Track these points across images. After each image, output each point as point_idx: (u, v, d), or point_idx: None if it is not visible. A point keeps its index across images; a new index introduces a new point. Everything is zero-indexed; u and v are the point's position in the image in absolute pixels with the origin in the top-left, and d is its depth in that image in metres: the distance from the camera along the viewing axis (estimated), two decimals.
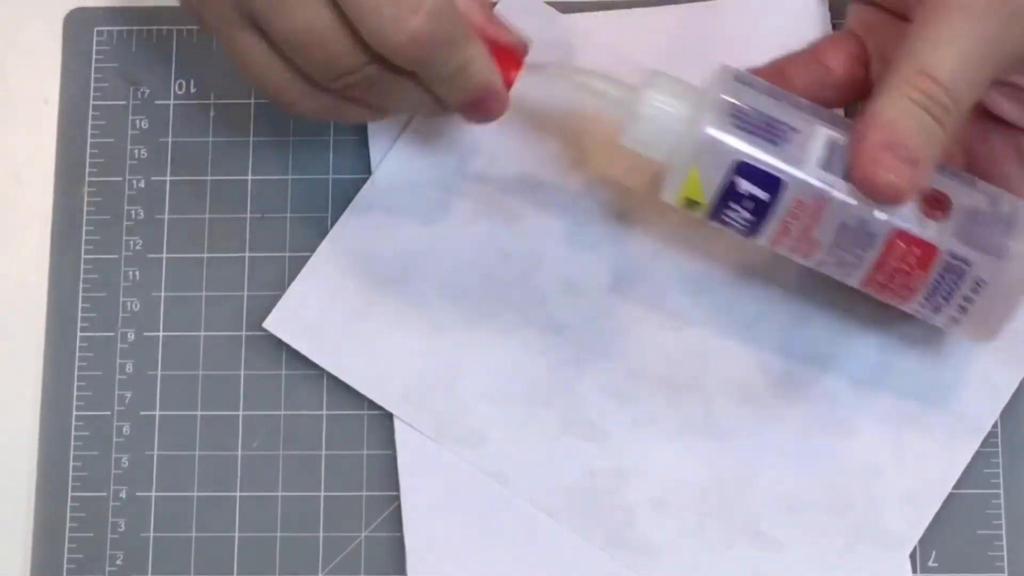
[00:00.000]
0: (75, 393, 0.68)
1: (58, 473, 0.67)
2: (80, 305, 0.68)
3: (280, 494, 0.67)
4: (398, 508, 0.66)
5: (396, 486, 0.67)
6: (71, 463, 0.67)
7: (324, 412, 0.67)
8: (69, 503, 0.67)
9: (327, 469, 0.67)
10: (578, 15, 0.71)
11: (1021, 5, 0.59)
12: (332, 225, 0.69)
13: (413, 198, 0.69)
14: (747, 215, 0.60)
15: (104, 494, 0.67)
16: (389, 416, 0.67)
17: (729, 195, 0.60)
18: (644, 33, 0.70)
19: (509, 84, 0.61)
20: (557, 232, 0.68)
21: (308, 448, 0.67)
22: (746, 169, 0.59)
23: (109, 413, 0.68)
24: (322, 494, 0.67)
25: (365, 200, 0.69)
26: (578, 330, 0.68)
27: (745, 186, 0.60)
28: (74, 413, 0.67)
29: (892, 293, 0.61)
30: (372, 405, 0.67)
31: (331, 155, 0.70)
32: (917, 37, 0.59)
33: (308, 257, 0.68)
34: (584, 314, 0.68)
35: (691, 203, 0.61)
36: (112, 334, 0.68)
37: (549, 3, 0.71)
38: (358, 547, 0.66)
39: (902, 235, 0.59)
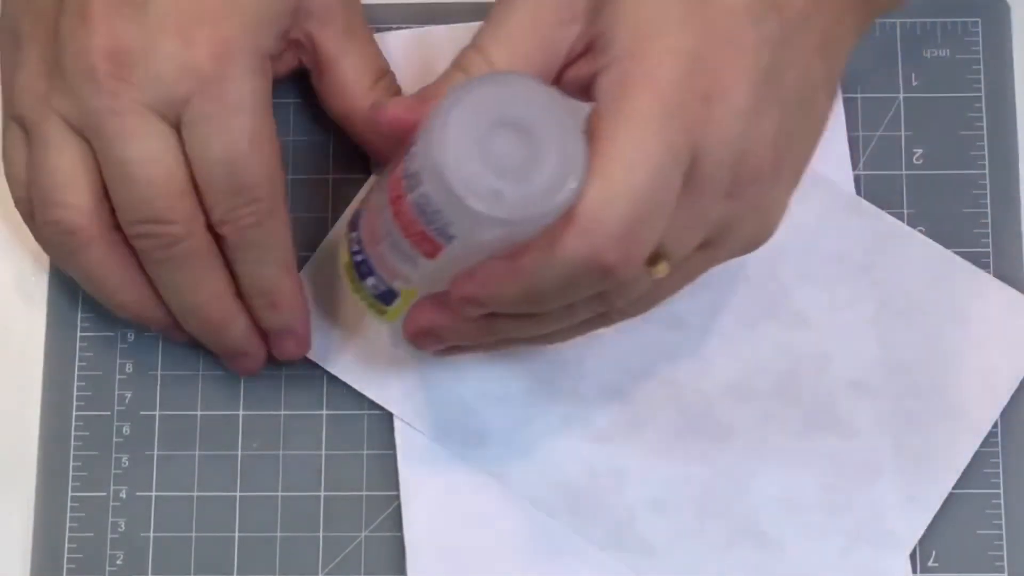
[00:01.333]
0: (75, 393, 0.68)
1: (59, 473, 0.67)
2: (80, 305, 0.68)
3: (280, 494, 0.67)
4: (398, 508, 0.66)
5: (396, 486, 0.67)
6: (71, 463, 0.67)
7: (324, 412, 0.67)
8: (69, 503, 0.67)
9: (327, 469, 0.67)
10: None
11: (713, 89, 0.55)
12: (332, 225, 0.69)
13: None
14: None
15: (104, 494, 0.67)
16: (389, 416, 0.67)
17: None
18: None
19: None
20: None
21: (308, 448, 0.67)
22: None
23: (109, 413, 0.67)
24: (322, 494, 0.67)
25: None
26: None
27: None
28: (74, 413, 0.67)
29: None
30: (372, 405, 0.67)
31: (331, 155, 0.70)
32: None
33: (308, 257, 0.68)
34: None
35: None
36: (112, 334, 0.68)
37: None
38: (358, 547, 0.66)
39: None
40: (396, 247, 0.57)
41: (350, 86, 0.66)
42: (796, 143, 0.58)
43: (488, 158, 0.52)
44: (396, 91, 0.67)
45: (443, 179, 0.52)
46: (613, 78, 0.55)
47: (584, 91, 0.57)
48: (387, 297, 0.61)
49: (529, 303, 0.57)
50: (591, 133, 0.54)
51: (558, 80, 0.58)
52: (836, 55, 0.59)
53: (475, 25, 0.69)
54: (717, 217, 0.57)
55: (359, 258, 0.61)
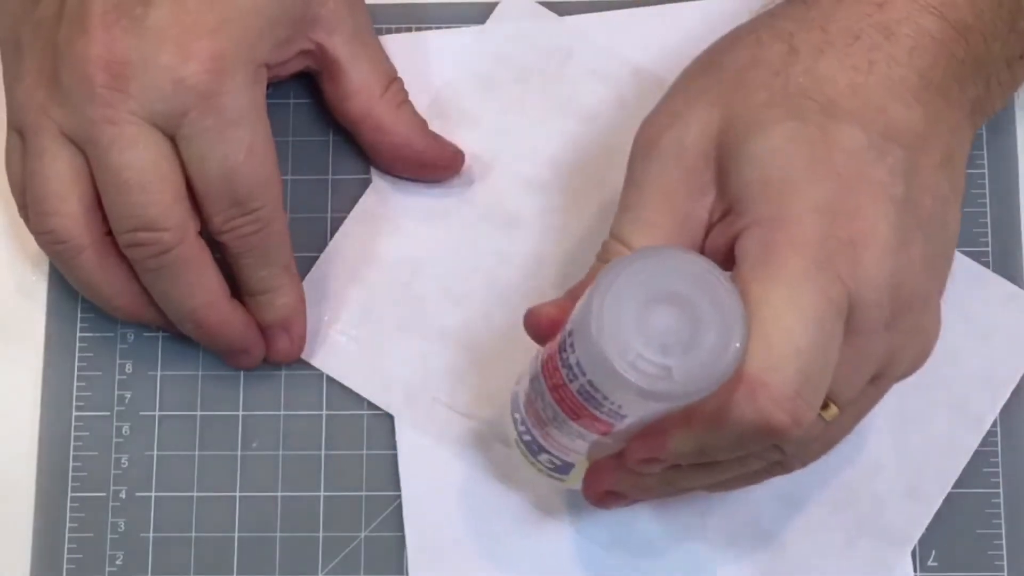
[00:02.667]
0: (75, 393, 0.68)
1: (58, 473, 0.67)
2: (80, 305, 0.68)
3: (280, 494, 0.67)
4: (398, 508, 0.66)
5: (396, 486, 0.67)
6: (71, 463, 0.67)
7: (324, 412, 0.67)
8: (69, 503, 0.66)
9: (327, 469, 0.67)
10: (576, 17, 0.71)
11: (857, 233, 0.55)
12: (332, 225, 0.69)
13: (412, 202, 0.69)
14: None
15: (104, 494, 0.67)
16: (389, 416, 0.67)
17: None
18: (642, 34, 0.70)
19: None
20: (556, 235, 0.68)
21: (308, 448, 0.67)
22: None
23: (109, 413, 0.67)
24: (322, 494, 0.67)
25: (365, 206, 0.69)
26: None
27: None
28: (74, 413, 0.67)
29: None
30: (372, 405, 0.67)
31: (331, 155, 0.70)
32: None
33: (308, 257, 0.68)
34: None
35: None
36: (112, 334, 0.68)
37: (547, 5, 0.71)
38: (358, 547, 0.66)
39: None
40: (565, 429, 0.57)
41: (361, 91, 0.67)
42: (940, 260, 0.59)
43: (651, 336, 0.52)
44: (405, 96, 0.68)
45: (608, 366, 0.52)
46: (756, 241, 0.55)
47: (725, 256, 0.57)
48: (563, 469, 0.61)
49: (704, 458, 0.57)
50: (743, 297, 0.53)
51: (700, 251, 0.58)
52: (958, 166, 0.59)
53: (466, 29, 0.69)
54: (880, 353, 0.57)
55: (527, 438, 0.61)
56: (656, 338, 0.52)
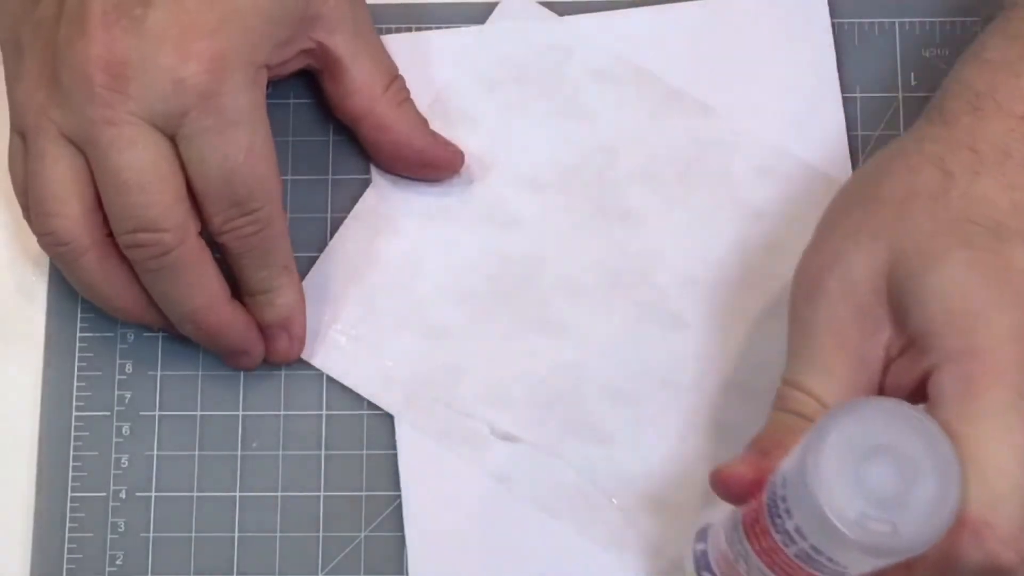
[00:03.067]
0: (75, 393, 0.68)
1: (58, 473, 0.67)
2: (80, 305, 0.68)
3: (280, 494, 0.67)
4: (398, 508, 0.66)
5: (396, 486, 0.67)
6: (71, 463, 0.67)
7: (324, 412, 0.67)
8: (69, 503, 0.66)
9: (327, 469, 0.67)
10: (576, 17, 0.71)
11: None
12: (332, 225, 0.69)
13: (413, 202, 0.69)
14: None
15: (104, 494, 0.67)
16: (389, 416, 0.67)
17: None
18: (642, 34, 0.70)
19: None
20: (556, 235, 0.68)
21: (308, 448, 0.67)
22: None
23: (109, 413, 0.67)
24: (322, 494, 0.67)
25: (365, 206, 0.69)
26: (579, 332, 0.68)
27: None
28: (74, 413, 0.67)
29: None
30: (372, 405, 0.67)
31: (331, 155, 0.70)
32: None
33: (309, 257, 0.68)
34: (585, 316, 0.68)
35: None
36: (112, 334, 0.68)
37: (547, 5, 0.71)
38: (358, 547, 0.66)
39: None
40: None
41: (363, 89, 0.67)
42: None
43: (871, 492, 0.51)
44: (407, 95, 0.68)
45: (833, 528, 0.51)
46: (952, 377, 0.54)
47: (910, 394, 0.56)
48: None
49: None
50: (949, 436, 0.52)
51: (880, 391, 0.57)
52: None
53: (466, 29, 0.70)
54: None
55: None
56: (876, 493, 0.51)
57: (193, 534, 0.66)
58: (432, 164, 0.68)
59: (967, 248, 0.55)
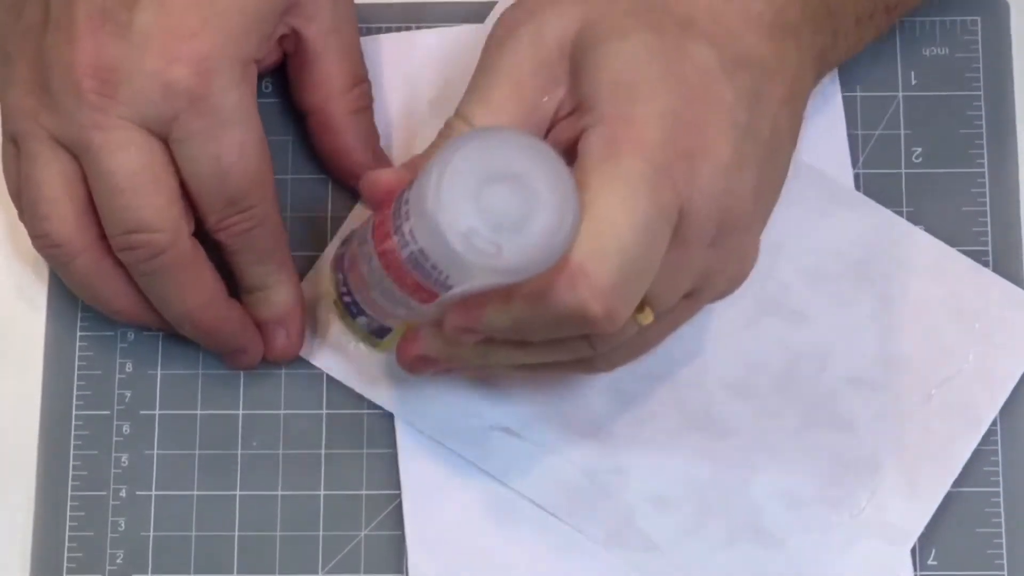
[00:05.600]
0: (75, 392, 0.68)
1: (58, 472, 0.67)
2: (80, 305, 0.68)
3: (280, 493, 0.67)
4: (398, 507, 0.66)
5: (396, 485, 0.67)
6: (71, 462, 0.67)
7: (324, 411, 0.67)
8: (69, 502, 0.66)
9: (327, 468, 0.67)
10: None
11: (697, 146, 0.57)
12: (332, 225, 0.69)
13: None
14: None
15: (104, 493, 0.67)
16: (390, 414, 0.67)
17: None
18: None
19: None
20: None
21: (308, 447, 0.67)
22: None
23: (109, 412, 0.67)
24: (322, 493, 0.67)
25: (365, 208, 0.69)
26: None
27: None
28: (74, 412, 0.67)
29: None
30: (373, 404, 0.67)
31: None
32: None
33: (308, 257, 0.68)
34: None
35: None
36: (112, 334, 0.68)
37: None
38: (358, 546, 0.66)
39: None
40: (388, 295, 0.58)
41: (321, 86, 0.67)
42: (769, 191, 0.60)
43: (484, 212, 0.53)
44: (370, 101, 0.68)
45: (441, 237, 0.53)
46: (600, 139, 0.56)
47: (568, 150, 0.58)
48: (380, 332, 0.63)
49: (518, 335, 0.58)
50: (580, 190, 0.55)
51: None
52: (799, 107, 0.61)
53: (464, 28, 0.70)
54: (701, 267, 0.58)
55: (347, 299, 0.62)
56: (490, 215, 0.53)
57: (193, 533, 0.66)
58: None
59: (653, 32, 0.58)
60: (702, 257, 0.58)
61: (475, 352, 0.61)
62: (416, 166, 0.59)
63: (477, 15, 0.71)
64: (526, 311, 0.56)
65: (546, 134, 0.59)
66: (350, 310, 0.63)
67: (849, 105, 0.70)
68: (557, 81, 0.59)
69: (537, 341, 0.59)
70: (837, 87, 0.70)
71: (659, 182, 0.55)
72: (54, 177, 0.62)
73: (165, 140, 0.61)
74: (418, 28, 0.71)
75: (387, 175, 0.59)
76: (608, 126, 0.57)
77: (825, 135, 0.69)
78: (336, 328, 0.68)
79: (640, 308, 0.58)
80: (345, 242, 0.63)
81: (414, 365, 0.62)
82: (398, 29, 0.71)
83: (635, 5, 0.58)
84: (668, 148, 0.56)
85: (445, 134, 0.60)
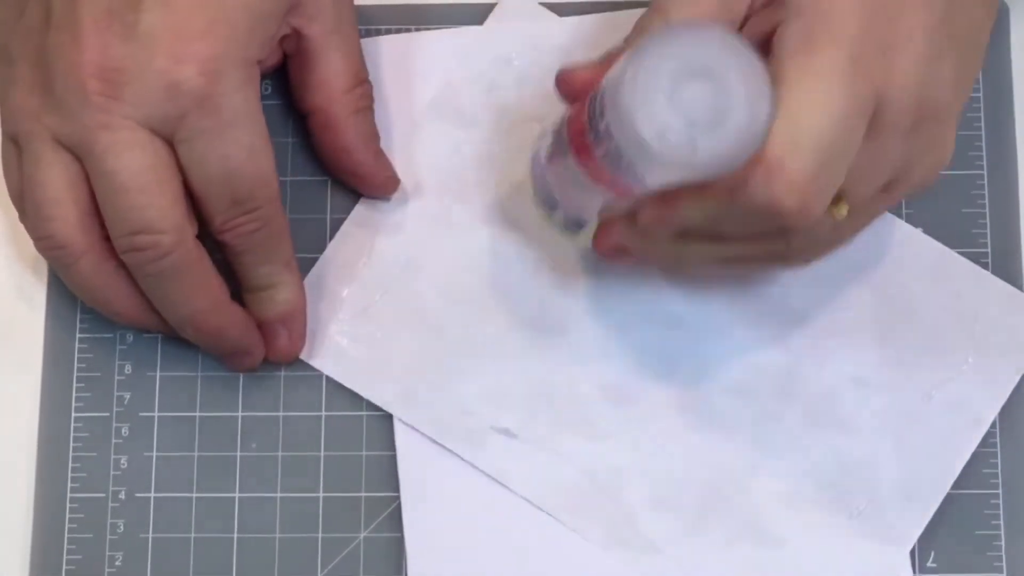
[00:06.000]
0: (74, 394, 0.68)
1: (57, 474, 0.67)
2: (79, 306, 0.68)
3: (279, 495, 0.67)
4: (397, 509, 0.66)
5: (395, 486, 0.67)
6: (70, 464, 0.67)
7: (323, 413, 0.67)
8: (68, 504, 0.66)
9: (326, 470, 0.67)
10: (575, 17, 0.71)
11: (894, 36, 0.57)
12: (332, 225, 0.69)
13: (412, 203, 0.69)
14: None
15: (103, 495, 0.67)
16: (389, 416, 0.67)
17: None
18: None
19: None
20: (555, 235, 0.68)
21: (307, 449, 0.67)
22: None
23: (108, 414, 0.67)
24: (321, 495, 0.67)
25: (365, 207, 0.69)
26: (578, 331, 0.68)
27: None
28: (73, 414, 0.67)
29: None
30: (371, 405, 0.67)
31: None
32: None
33: (309, 258, 0.68)
34: (584, 315, 0.68)
35: None
36: (111, 335, 0.68)
37: (547, 5, 0.71)
38: (357, 548, 0.66)
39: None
40: (585, 190, 0.59)
41: (323, 85, 0.67)
42: (964, 81, 0.60)
43: (679, 108, 0.53)
44: (371, 101, 0.68)
45: (636, 134, 0.53)
46: (796, 31, 0.56)
47: (763, 44, 0.58)
48: (577, 224, 0.63)
49: (712, 229, 0.59)
50: (776, 83, 0.54)
51: None
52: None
53: (464, 29, 0.69)
54: (897, 159, 0.58)
55: (543, 193, 0.63)
56: (685, 111, 0.53)
57: (192, 535, 0.66)
58: (365, 181, 0.68)
59: None
60: (898, 149, 0.58)
61: (670, 245, 0.61)
62: (612, 59, 0.58)
63: (477, 16, 0.71)
64: (720, 205, 0.57)
65: (740, 27, 0.59)
66: (547, 204, 0.64)
67: None
68: None
69: (731, 235, 0.59)
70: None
71: (856, 74, 0.56)
72: (57, 178, 0.62)
73: (170, 141, 0.61)
74: (418, 29, 0.71)
75: (582, 70, 0.59)
76: (804, 19, 0.56)
77: None
78: (335, 329, 0.68)
79: (835, 202, 0.58)
80: (542, 136, 0.63)
81: (610, 255, 0.63)
82: (398, 30, 0.71)
83: None
84: (865, 40, 0.56)
85: (640, 25, 0.60)
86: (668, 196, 0.57)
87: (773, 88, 0.54)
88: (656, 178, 0.55)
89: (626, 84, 0.53)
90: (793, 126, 0.55)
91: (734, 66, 0.53)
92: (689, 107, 0.53)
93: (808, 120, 0.55)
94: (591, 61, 0.60)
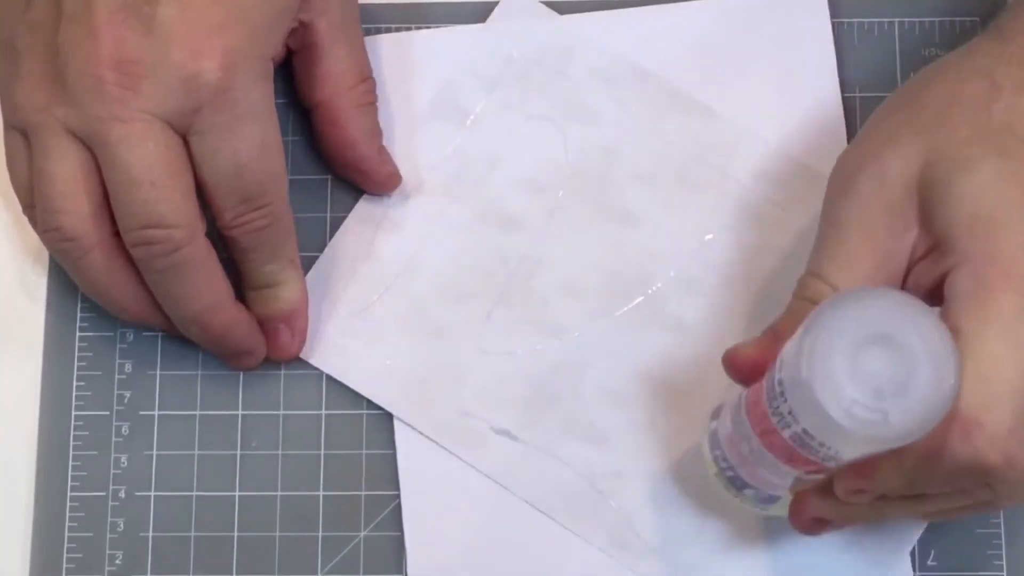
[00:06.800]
0: (74, 392, 0.68)
1: (58, 473, 0.67)
2: (80, 305, 0.68)
3: (279, 494, 0.67)
4: (397, 508, 0.66)
5: (395, 486, 0.67)
6: (70, 463, 0.67)
7: (323, 412, 0.67)
8: (68, 503, 0.66)
9: (326, 469, 0.67)
10: (577, 16, 0.71)
11: None
12: (332, 225, 0.69)
13: (413, 202, 0.69)
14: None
15: (103, 494, 0.67)
16: (389, 416, 0.67)
17: None
18: (642, 33, 0.70)
19: None
20: (556, 235, 0.68)
21: (307, 448, 0.67)
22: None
23: (108, 413, 0.67)
24: (321, 494, 0.67)
25: (366, 206, 0.69)
26: (578, 333, 0.68)
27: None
28: (73, 413, 0.67)
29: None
30: (372, 405, 0.67)
31: None
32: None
33: (309, 257, 0.68)
34: (584, 317, 0.68)
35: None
36: (111, 334, 0.68)
37: (548, 4, 0.71)
38: (357, 547, 0.66)
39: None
40: (774, 470, 0.58)
41: (329, 79, 0.67)
42: None
43: (863, 380, 0.52)
44: (372, 99, 0.68)
45: (823, 413, 0.52)
46: (968, 279, 0.55)
47: (928, 294, 0.56)
48: (769, 500, 0.61)
49: (914, 491, 0.57)
50: (954, 334, 0.53)
51: (901, 288, 0.58)
52: None
53: (465, 28, 0.69)
54: None
55: (730, 474, 0.61)
56: (869, 381, 0.52)
57: (192, 534, 0.66)
58: (367, 176, 0.68)
59: (1001, 157, 0.56)
60: None
61: (870, 508, 0.59)
62: (777, 333, 0.57)
63: (478, 15, 0.71)
64: (920, 469, 0.55)
65: (903, 280, 0.58)
66: (734, 483, 0.62)
67: (849, 106, 0.70)
68: (908, 223, 0.57)
69: (933, 492, 0.57)
70: (837, 88, 0.70)
71: None
72: (69, 170, 0.62)
73: (183, 136, 0.61)
74: (418, 28, 0.71)
75: (748, 350, 0.58)
76: (974, 264, 0.55)
77: (825, 136, 0.69)
78: (334, 328, 0.68)
79: None
80: (715, 416, 0.62)
81: (810, 528, 0.61)
82: (398, 29, 0.71)
83: (976, 132, 0.57)
84: None
85: (802, 294, 0.58)
86: (863, 466, 0.55)
87: (955, 345, 0.52)
88: (850, 453, 0.54)
89: (804, 362, 0.52)
90: (984, 378, 0.53)
91: (910, 326, 0.52)
92: (873, 376, 0.52)
93: (998, 373, 0.53)
94: (755, 340, 0.59)
